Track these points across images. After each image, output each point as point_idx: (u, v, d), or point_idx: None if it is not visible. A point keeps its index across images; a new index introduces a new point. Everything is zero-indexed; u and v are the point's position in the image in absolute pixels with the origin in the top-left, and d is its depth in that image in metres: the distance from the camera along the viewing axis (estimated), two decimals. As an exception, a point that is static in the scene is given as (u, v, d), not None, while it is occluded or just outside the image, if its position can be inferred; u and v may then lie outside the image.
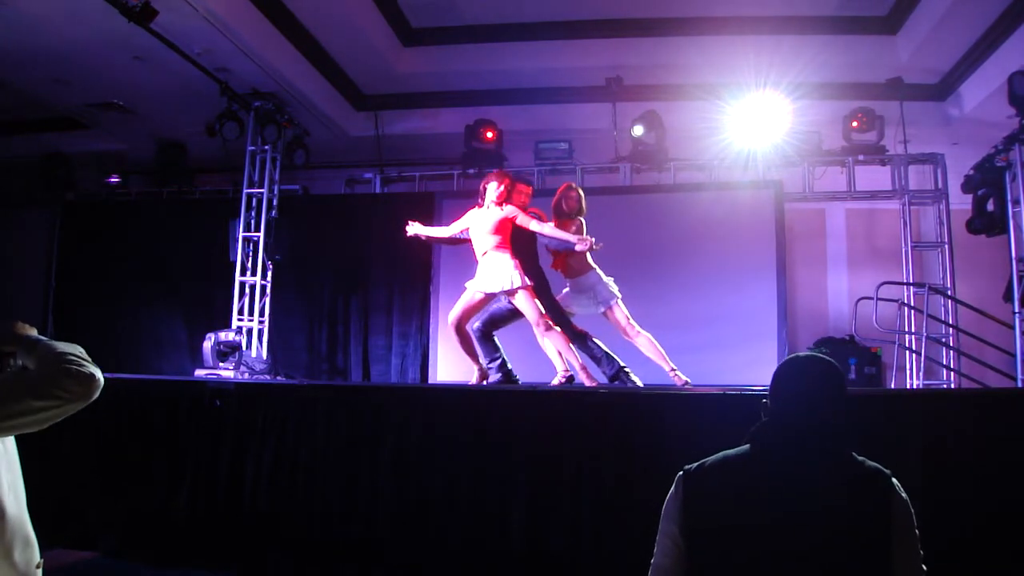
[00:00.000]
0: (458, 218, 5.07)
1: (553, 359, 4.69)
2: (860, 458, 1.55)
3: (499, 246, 4.71)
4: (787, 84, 6.97)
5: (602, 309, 4.88)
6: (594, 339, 4.96)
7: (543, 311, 4.67)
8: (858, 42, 7.39)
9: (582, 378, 4.69)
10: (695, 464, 1.64)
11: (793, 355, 1.68)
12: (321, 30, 7.32)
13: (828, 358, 1.63)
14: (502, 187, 4.77)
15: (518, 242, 4.82)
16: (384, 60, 7.95)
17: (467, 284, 4.88)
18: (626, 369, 4.84)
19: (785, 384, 1.62)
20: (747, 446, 1.61)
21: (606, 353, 4.89)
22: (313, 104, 7.90)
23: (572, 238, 4.69)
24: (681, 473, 1.64)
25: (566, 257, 4.91)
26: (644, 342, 4.83)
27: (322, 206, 8.81)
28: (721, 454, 1.62)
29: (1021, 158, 6.46)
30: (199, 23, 6.11)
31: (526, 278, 4.65)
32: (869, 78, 7.51)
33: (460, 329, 4.90)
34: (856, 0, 7.13)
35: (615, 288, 4.90)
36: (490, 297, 4.80)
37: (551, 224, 4.82)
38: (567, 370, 4.66)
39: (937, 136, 7.81)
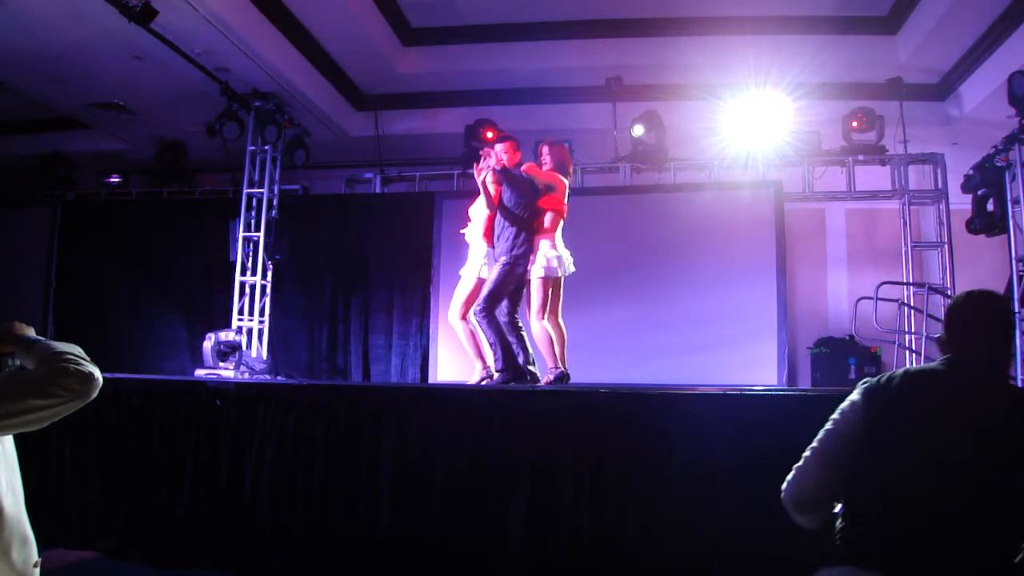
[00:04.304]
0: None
1: (466, 348, 5.04)
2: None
3: (480, 228, 5.03)
4: (787, 84, 6.97)
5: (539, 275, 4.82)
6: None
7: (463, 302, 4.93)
8: (858, 42, 7.38)
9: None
10: (875, 377, 1.88)
11: (974, 291, 1.90)
12: (321, 30, 7.32)
13: (1001, 296, 1.91)
14: (478, 166, 5.01)
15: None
16: (384, 60, 7.94)
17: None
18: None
19: (972, 321, 1.85)
20: (934, 364, 1.86)
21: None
22: (313, 104, 7.90)
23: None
24: (864, 383, 1.89)
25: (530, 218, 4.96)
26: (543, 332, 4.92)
27: (322, 206, 8.81)
28: (902, 369, 1.89)
29: (1021, 158, 6.46)
30: (199, 23, 6.11)
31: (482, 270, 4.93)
32: (869, 78, 7.51)
33: (467, 320, 5.03)
34: (856, 0, 7.12)
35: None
36: (481, 281, 4.98)
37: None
38: (484, 368, 5.00)
39: (937, 136, 7.81)
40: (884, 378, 1.85)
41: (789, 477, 1.91)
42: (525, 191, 4.83)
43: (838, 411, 1.89)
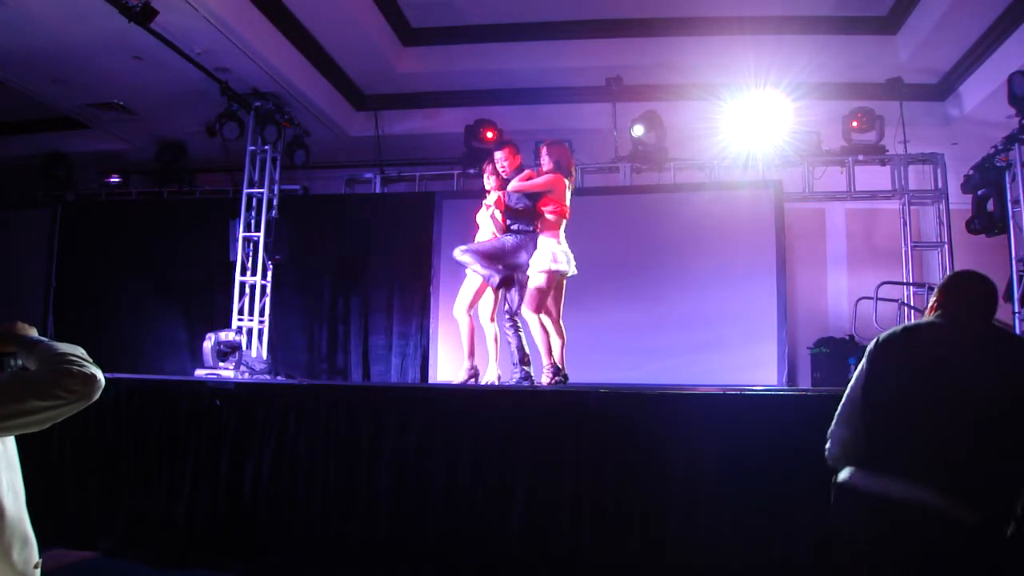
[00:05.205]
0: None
1: (463, 342, 5.14)
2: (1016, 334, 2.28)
3: (489, 235, 5.08)
4: (787, 84, 6.97)
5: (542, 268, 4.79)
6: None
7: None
8: (858, 42, 7.38)
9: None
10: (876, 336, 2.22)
11: (965, 271, 2.29)
12: (321, 30, 7.31)
13: (985, 279, 2.26)
14: (491, 177, 5.11)
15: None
16: (384, 60, 7.94)
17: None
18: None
19: (965, 290, 2.22)
20: (930, 318, 2.22)
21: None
22: (313, 104, 7.90)
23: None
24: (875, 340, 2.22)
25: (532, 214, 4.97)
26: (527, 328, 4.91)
27: (322, 206, 8.81)
28: (902, 325, 2.26)
29: (1021, 158, 6.47)
30: (199, 23, 6.11)
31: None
32: (869, 78, 7.51)
33: (471, 316, 5.13)
34: (856, 0, 7.13)
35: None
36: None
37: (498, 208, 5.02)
38: (471, 368, 5.14)
39: (937, 136, 7.80)
40: (884, 335, 2.21)
41: (827, 443, 2.26)
42: (527, 214, 4.89)
43: (854, 375, 2.22)
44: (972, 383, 2.00)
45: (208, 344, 6.78)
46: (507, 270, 4.84)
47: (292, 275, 8.20)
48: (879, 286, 6.51)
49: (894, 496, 1.96)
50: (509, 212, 4.90)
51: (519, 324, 4.86)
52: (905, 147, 7.62)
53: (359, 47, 7.64)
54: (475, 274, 5.04)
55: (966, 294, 2.20)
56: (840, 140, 7.76)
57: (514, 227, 4.92)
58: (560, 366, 4.83)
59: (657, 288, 7.55)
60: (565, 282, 4.98)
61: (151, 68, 6.88)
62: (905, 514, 1.94)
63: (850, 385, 2.21)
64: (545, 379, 4.76)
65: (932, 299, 2.27)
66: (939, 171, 7.74)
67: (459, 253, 4.89)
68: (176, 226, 8.62)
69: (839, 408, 2.23)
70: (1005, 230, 6.74)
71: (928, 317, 2.23)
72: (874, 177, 7.91)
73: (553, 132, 7.60)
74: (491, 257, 4.84)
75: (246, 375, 6.76)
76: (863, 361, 2.19)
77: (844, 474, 2.14)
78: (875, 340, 2.20)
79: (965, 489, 1.89)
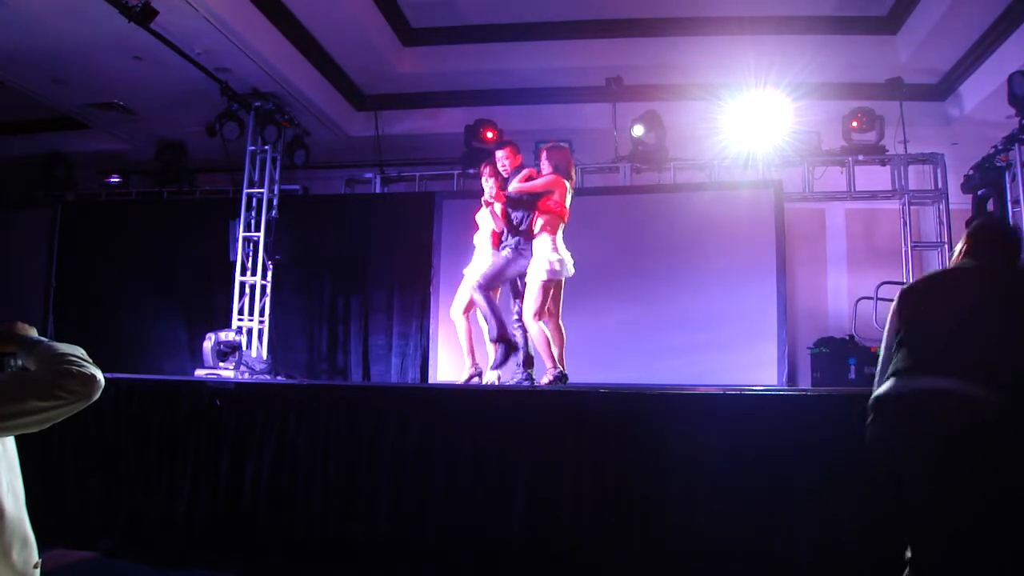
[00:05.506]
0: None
1: (461, 344, 5.20)
2: None
3: (488, 235, 5.10)
4: (787, 84, 6.97)
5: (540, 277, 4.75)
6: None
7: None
8: (858, 42, 7.39)
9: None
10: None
11: (989, 219, 2.54)
12: (321, 30, 7.32)
13: (1013, 226, 2.56)
14: (490, 179, 5.07)
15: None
16: (384, 60, 7.95)
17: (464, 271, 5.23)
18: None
19: (990, 232, 2.42)
20: (956, 263, 2.46)
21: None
22: (313, 104, 7.90)
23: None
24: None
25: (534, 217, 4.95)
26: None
27: (322, 206, 8.81)
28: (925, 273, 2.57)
29: (1021, 158, 6.47)
30: (199, 23, 6.11)
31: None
32: (869, 78, 7.51)
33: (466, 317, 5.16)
34: (856, 0, 7.13)
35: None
36: None
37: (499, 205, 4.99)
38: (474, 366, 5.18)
39: (937, 136, 7.81)
40: (907, 284, 2.50)
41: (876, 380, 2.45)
42: (528, 207, 4.89)
43: (887, 319, 2.47)
44: (995, 297, 2.22)
45: (208, 344, 6.78)
46: (511, 282, 5.00)
47: (292, 275, 8.20)
48: (879, 286, 6.50)
49: (925, 387, 2.16)
50: (510, 202, 4.88)
51: (524, 327, 4.87)
52: (905, 147, 7.62)
53: (359, 47, 7.65)
54: (471, 277, 5.07)
55: (991, 236, 2.38)
56: (840, 140, 7.76)
57: (514, 220, 4.91)
58: (560, 367, 4.83)
59: (657, 288, 7.55)
60: (564, 280, 4.98)
61: (151, 68, 6.88)
62: (935, 401, 2.12)
63: (883, 344, 2.44)
64: (546, 380, 4.76)
65: (960, 245, 2.46)
66: (939, 171, 7.74)
67: (474, 292, 4.90)
68: (176, 226, 8.62)
69: (878, 366, 2.44)
70: (1005, 230, 6.74)
71: (955, 262, 2.43)
72: (874, 177, 7.91)
73: (553, 132, 7.64)
74: (496, 279, 4.90)
75: (246, 375, 6.76)
76: (890, 313, 2.44)
77: (878, 391, 2.32)
78: (898, 291, 2.48)
79: (991, 381, 2.08)
